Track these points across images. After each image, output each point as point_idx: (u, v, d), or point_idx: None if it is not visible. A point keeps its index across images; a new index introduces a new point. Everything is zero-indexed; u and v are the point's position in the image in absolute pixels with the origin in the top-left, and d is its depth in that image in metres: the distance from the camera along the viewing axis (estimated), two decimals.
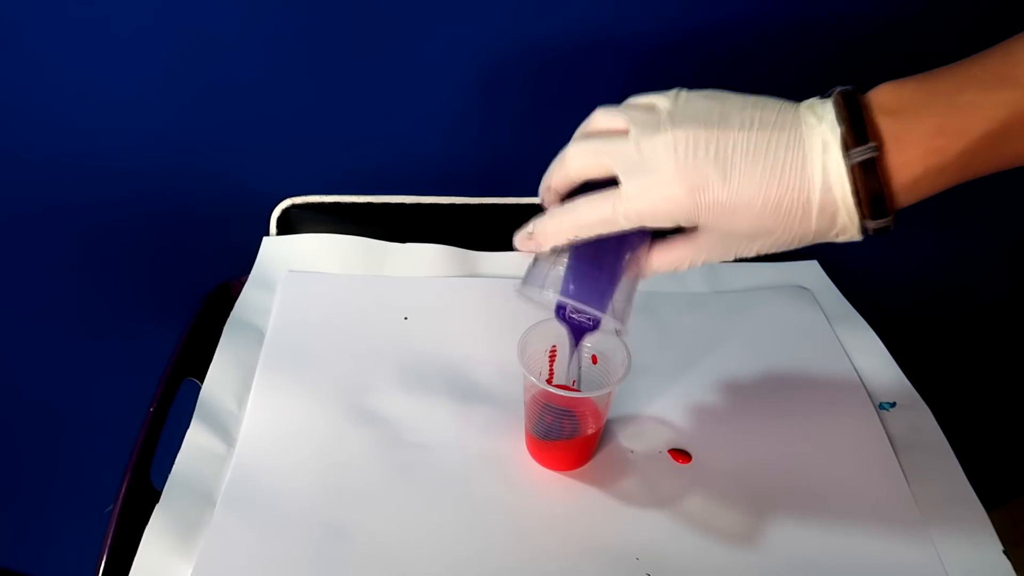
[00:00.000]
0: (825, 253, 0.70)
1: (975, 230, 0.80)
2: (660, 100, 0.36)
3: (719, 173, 0.33)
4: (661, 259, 0.39)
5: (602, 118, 0.38)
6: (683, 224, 0.36)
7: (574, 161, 0.37)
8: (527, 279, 0.41)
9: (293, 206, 0.65)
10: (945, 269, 0.84)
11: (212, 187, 0.66)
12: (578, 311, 0.42)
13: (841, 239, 0.35)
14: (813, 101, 0.35)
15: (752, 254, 0.37)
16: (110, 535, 0.44)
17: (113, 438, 0.60)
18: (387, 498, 0.47)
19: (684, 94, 0.36)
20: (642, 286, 0.41)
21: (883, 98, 0.33)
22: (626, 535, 0.46)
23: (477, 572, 0.43)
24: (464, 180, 0.68)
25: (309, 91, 0.62)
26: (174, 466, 0.47)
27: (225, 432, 0.50)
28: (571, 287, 0.39)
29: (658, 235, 0.39)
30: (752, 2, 0.60)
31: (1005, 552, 0.45)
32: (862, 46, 0.63)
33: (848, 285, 0.67)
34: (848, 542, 0.46)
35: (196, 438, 0.49)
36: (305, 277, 0.63)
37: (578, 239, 0.38)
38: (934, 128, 0.32)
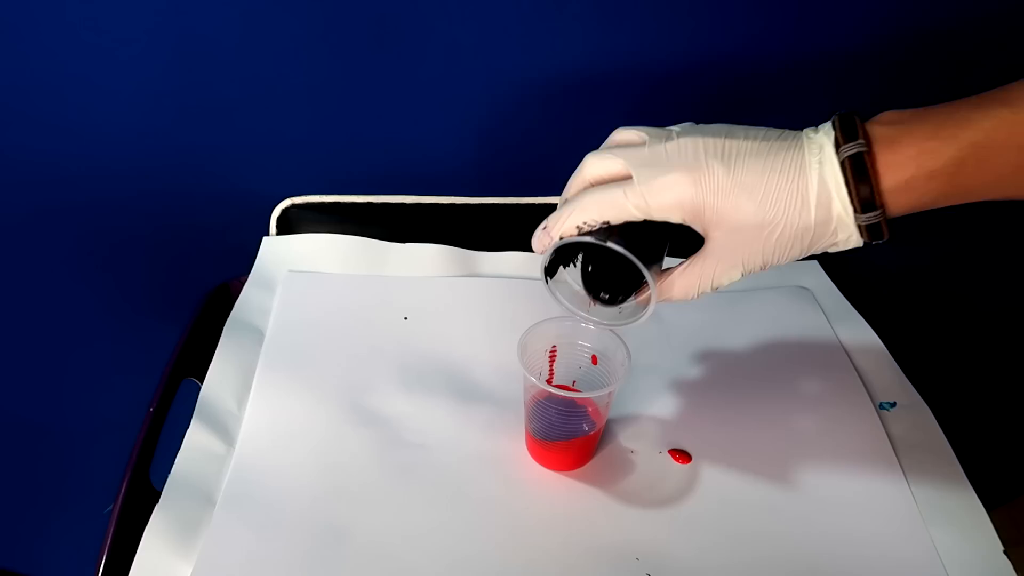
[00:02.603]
0: (825, 253, 0.70)
1: (975, 230, 0.80)
2: (669, 129, 0.40)
3: (724, 166, 0.37)
4: (680, 282, 0.40)
5: (619, 133, 0.41)
6: (688, 217, 0.38)
7: (590, 164, 0.40)
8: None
9: (293, 206, 0.65)
10: (945, 269, 0.84)
11: (212, 187, 0.66)
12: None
13: (841, 244, 0.38)
14: (815, 127, 0.38)
15: (760, 266, 0.38)
16: (110, 535, 0.44)
17: (113, 438, 0.60)
18: (387, 498, 0.47)
19: (690, 125, 0.40)
20: None
21: (882, 117, 0.37)
22: (626, 535, 0.46)
23: (477, 572, 0.43)
24: (464, 180, 0.68)
25: (309, 91, 0.61)
26: (174, 466, 0.47)
27: (225, 432, 0.50)
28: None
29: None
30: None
31: (1005, 552, 0.45)
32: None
33: (848, 285, 0.67)
34: (848, 542, 0.46)
35: (196, 438, 0.49)
36: (305, 277, 0.63)
37: (590, 221, 0.39)
38: (927, 133, 0.35)
